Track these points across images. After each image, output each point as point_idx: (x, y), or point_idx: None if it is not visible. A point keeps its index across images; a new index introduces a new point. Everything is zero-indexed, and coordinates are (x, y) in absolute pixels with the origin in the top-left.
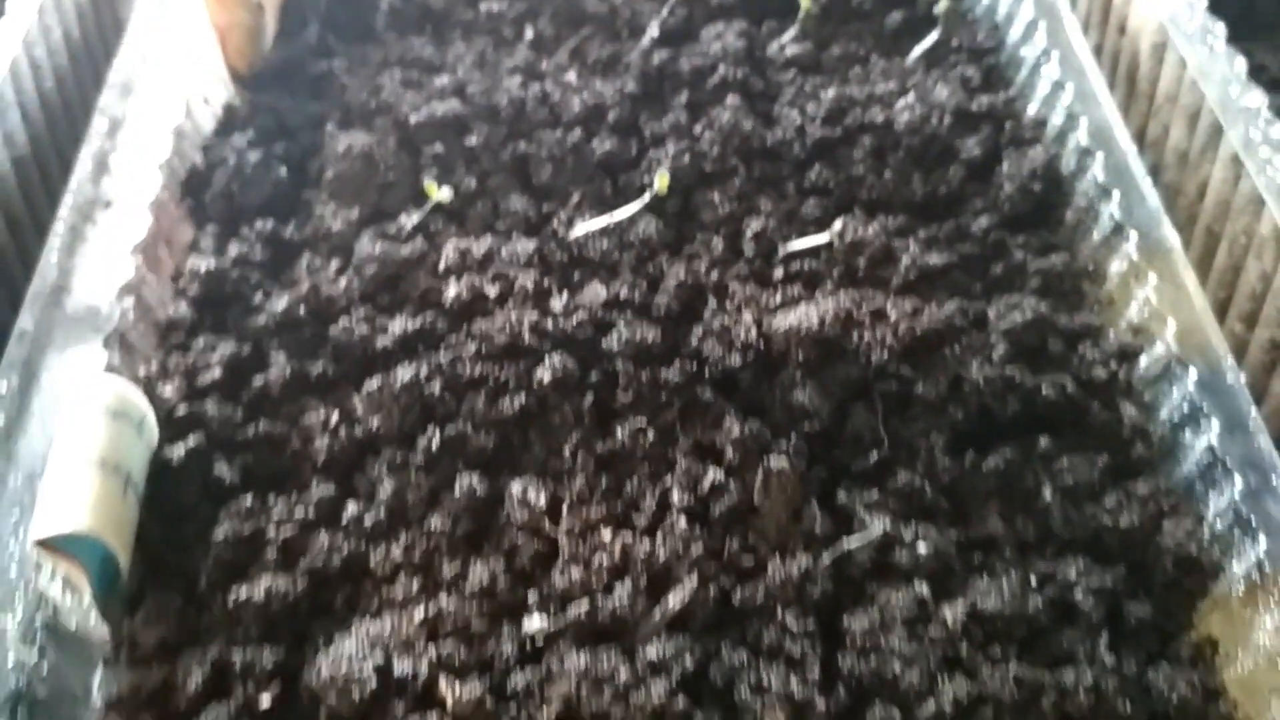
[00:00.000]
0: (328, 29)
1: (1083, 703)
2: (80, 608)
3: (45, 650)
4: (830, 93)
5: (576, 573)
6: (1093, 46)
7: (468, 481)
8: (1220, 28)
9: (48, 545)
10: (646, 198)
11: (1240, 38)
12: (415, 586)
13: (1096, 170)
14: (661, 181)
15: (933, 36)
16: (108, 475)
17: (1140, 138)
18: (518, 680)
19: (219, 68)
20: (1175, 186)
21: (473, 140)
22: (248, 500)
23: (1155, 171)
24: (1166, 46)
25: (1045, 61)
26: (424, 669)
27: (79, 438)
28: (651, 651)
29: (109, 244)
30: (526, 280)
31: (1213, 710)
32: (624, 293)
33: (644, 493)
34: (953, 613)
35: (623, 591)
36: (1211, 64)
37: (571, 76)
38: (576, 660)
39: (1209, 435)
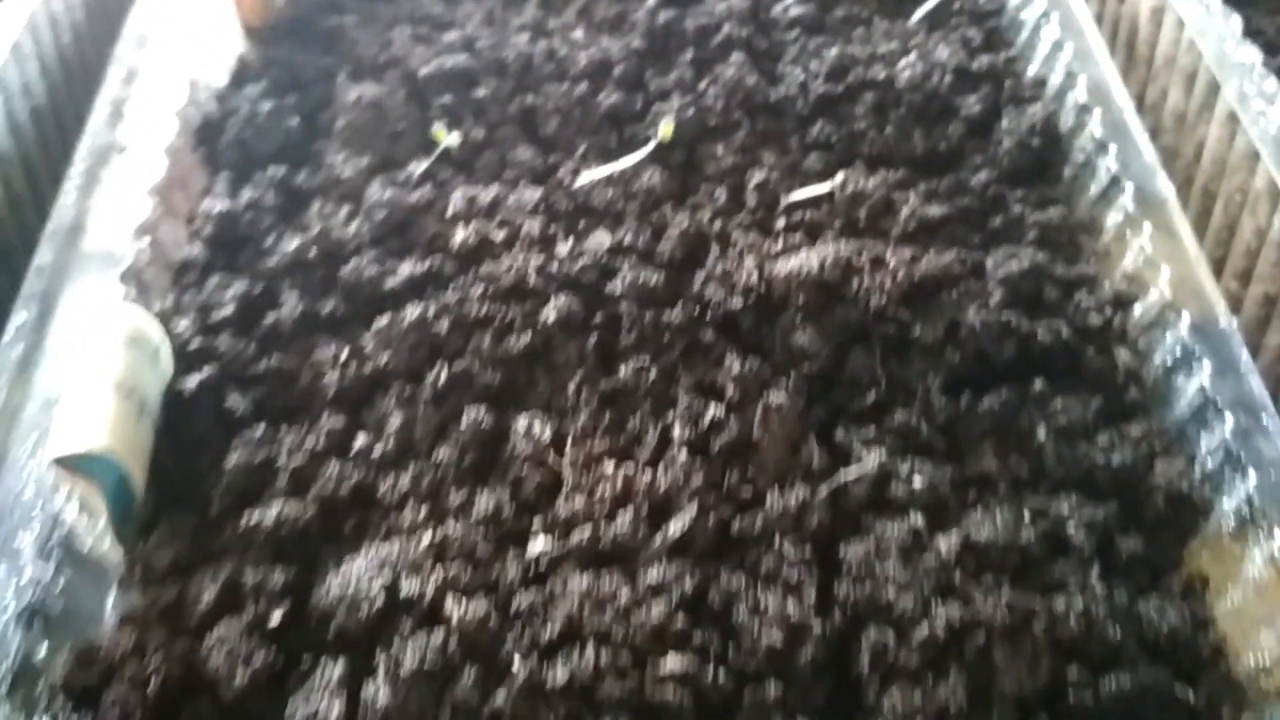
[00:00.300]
0: None
1: (1073, 628)
2: (95, 530)
3: (61, 568)
4: (833, 52)
5: (580, 501)
6: (1094, 14)
7: (474, 415)
8: None
9: (65, 465)
10: (651, 146)
11: (1237, 4)
12: (422, 514)
13: (1094, 126)
14: (665, 129)
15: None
16: (124, 399)
17: (1140, 100)
18: (521, 600)
19: (232, 22)
20: (1173, 148)
21: (480, 93)
22: (259, 430)
23: (1154, 133)
24: (1165, 9)
25: (1045, 23)
26: (430, 589)
27: (96, 362)
28: (652, 575)
29: (125, 187)
30: (532, 227)
31: (1202, 639)
32: (628, 239)
33: (646, 428)
34: (947, 543)
35: (625, 519)
36: (1208, 22)
37: (579, 34)
38: (579, 582)
39: (1201, 377)
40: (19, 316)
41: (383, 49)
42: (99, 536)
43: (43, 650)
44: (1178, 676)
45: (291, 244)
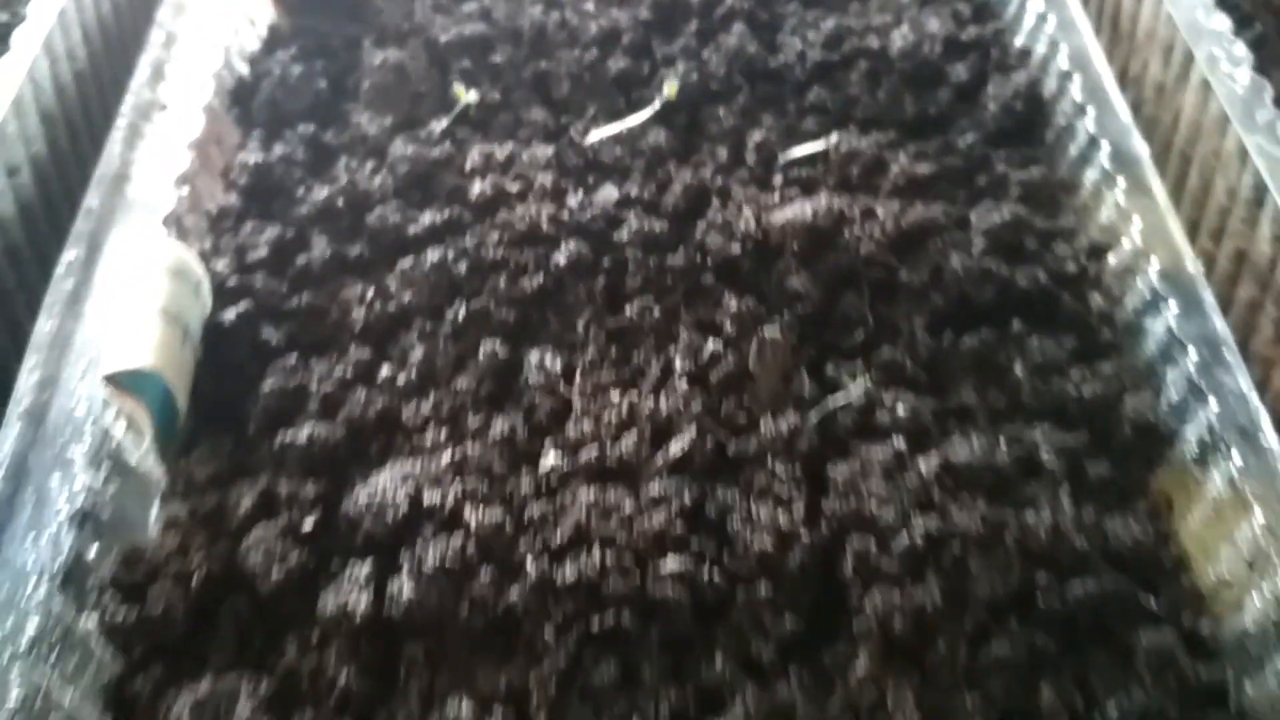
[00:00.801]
0: None
1: (1043, 539)
2: (142, 445)
3: (110, 477)
4: (830, 23)
5: (588, 425)
6: None
7: (490, 348)
8: None
9: (115, 383)
10: (657, 105)
11: None
12: (443, 435)
13: (1074, 91)
14: (670, 88)
15: None
16: (169, 323)
17: (1124, 72)
18: (534, 510)
19: None
20: (1154, 116)
21: (497, 58)
22: (292, 360)
23: (1137, 104)
24: None
25: None
26: (450, 499)
27: (144, 291)
28: (654, 489)
29: (165, 141)
30: (545, 180)
31: (1164, 553)
32: (634, 192)
33: (650, 361)
34: (927, 464)
35: (629, 440)
36: None
37: (589, 5)
38: (587, 494)
39: (1168, 317)
40: (69, 254)
41: (405, 18)
42: (145, 451)
43: (93, 550)
44: (1140, 586)
45: (320, 194)
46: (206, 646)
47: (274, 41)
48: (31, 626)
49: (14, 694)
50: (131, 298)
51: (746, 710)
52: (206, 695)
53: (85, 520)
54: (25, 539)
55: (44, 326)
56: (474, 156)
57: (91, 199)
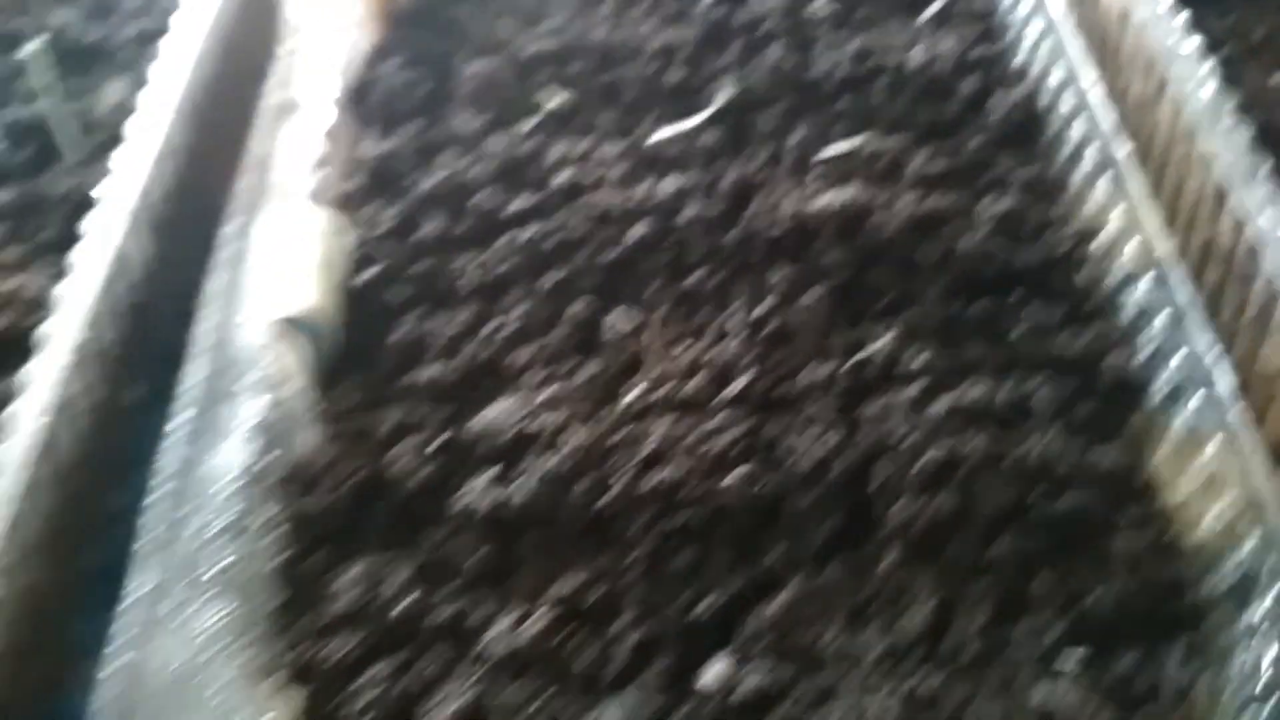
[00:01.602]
0: None
1: (1036, 463)
2: (301, 379)
3: (277, 404)
4: (856, 43)
5: (661, 369)
6: (1075, 18)
7: (577, 309)
8: None
9: (281, 324)
10: (712, 109)
11: (1194, 4)
12: (540, 378)
13: (1066, 103)
14: (725, 95)
15: (940, 3)
16: (329, 273)
17: (1113, 89)
18: (619, 435)
19: (371, 11)
20: (1135, 127)
21: (571, 69)
22: (414, 315)
23: (1123, 117)
24: (1127, 12)
25: (1030, 23)
26: (550, 426)
27: (305, 244)
28: (717, 420)
29: (300, 133)
30: (616, 172)
31: (1136, 479)
32: (692, 183)
33: (710, 320)
34: (941, 404)
35: (695, 381)
36: (1157, 20)
37: (647, 25)
38: (662, 424)
39: (1142, 290)
40: (232, 223)
41: (490, 35)
42: (304, 382)
43: (267, 460)
44: (1116, 502)
45: (429, 181)
46: (361, 535)
47: (380, 54)
48: (222, 519)
49: (209, 571)
50: (292, 254)
51: (795, 592)
52: (364, 571)
53: (260, 435)
54: (215, 451)
55: (216, 281)
56: (556, 152)
57: (243, 181)
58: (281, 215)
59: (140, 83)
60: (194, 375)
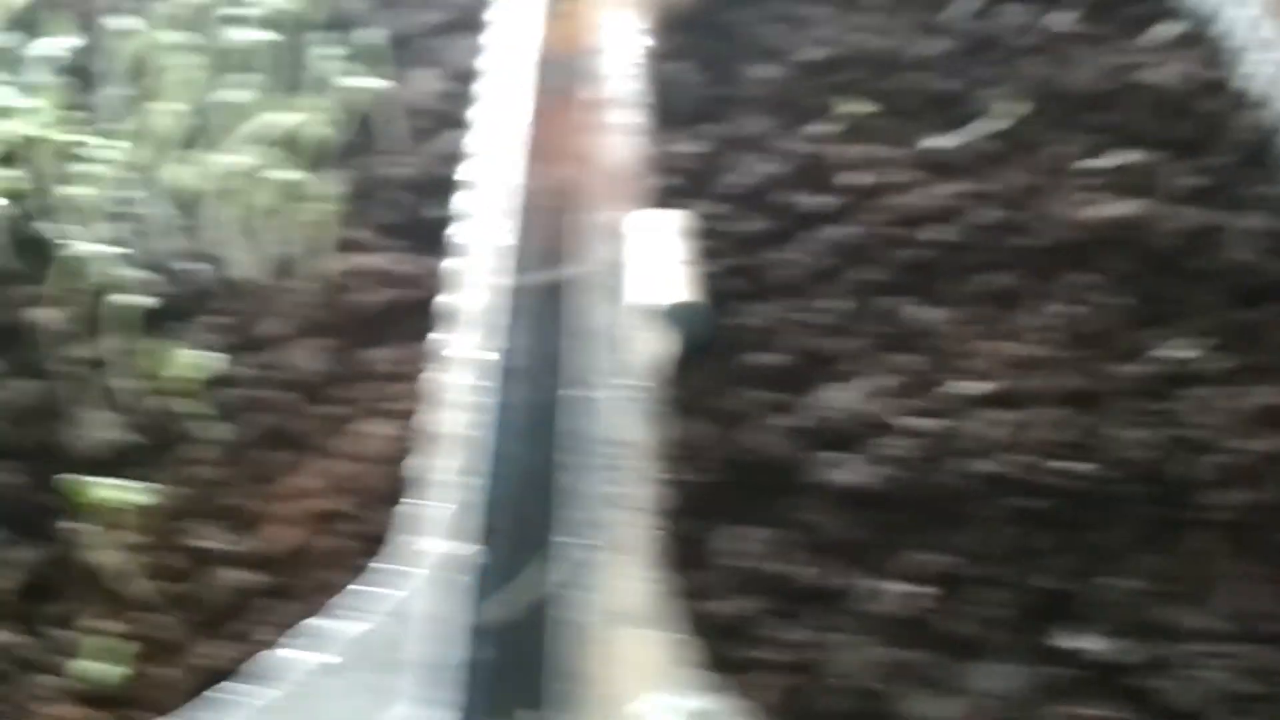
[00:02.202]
0: None
1: None
2: (667, 359)
3: (647, 385)
4: (1109, 59)
5: (971, 363)
6: None
7: (885, 304)
8: None
9: (651, 314)
10: (986, 118)
11: None
12: (857, 366)
13: None
14: (995, 102)
15: (1172, 23)
16: (688, 270)
17: None
18: (947, 423)
19: (651, 17)
20: None
21: (848, 77)
22: (744, 307)
23: None
24: None
25: (1263, 46)
26: (883, 412)
27: (666, 245)
28: (1031, 413)
29: (614, 130)
30: (902, 175)
31: None
32: (969, 188)
33: (1009, 319)
34: (1249, 401)
35: (1007, 375)
36: None
37: (910, 37)
38: (984, 412)
39: None
40: (599, 217)
41: (764, 41)
42: (668, 365)
43: (640, 431)
44: None
45: (737, 180)
46: (730, 507)
47: (665, 57)
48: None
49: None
50: (656, 252)
51: (1127, 567)
52: (735, 537)
53: (632, 407)
54: (597, 417)
55: (589, 276)
56: (845, 154)
57: (572, 174)
58: (643, 213)
59: (447, 73)
60: (574, 358)
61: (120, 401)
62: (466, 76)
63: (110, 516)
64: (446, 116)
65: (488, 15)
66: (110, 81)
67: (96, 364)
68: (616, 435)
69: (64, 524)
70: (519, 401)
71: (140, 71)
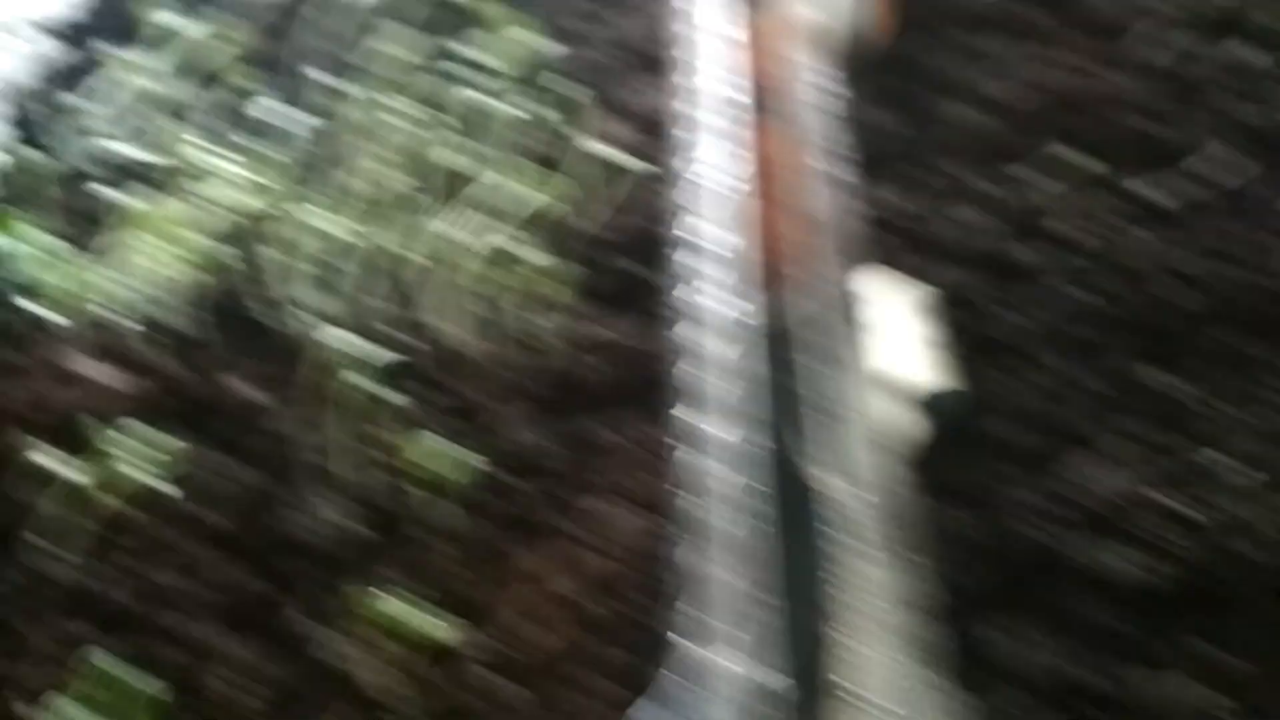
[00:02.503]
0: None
1: None
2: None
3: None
4: None
5: (1231, 441)
6: None
7: (1123, 369)
8: None
9: (908, 394)
10: (1194, 165)
11: None
12: (1111, 440)
13: None
14: (1209, 155)
15: None
16: (941, 348)
17: None
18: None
19: (835, 54)
20: None
21: (1047, 118)
22: (979, 372)
23: None
24: None
25: None
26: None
27: (909, 315)
28: None
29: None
30: (1121, 226)
31: None
32: (1192, 239)
33: (1260, 389)
34: None
35: (1266, 458)
36: None
37: (1102, 76)
38: (1248, 497)
39: None
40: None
41: (951, 77)
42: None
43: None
44: None
45: (941, 231)
46: (1001, 600)
47: (852, 99)
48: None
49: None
50: (899, 323)
51: None
52: (1012, 635)
53: (890, 493)
54: (856, 507)
55: (830, 347)
56: (1059, 203)
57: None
58: (876, 282)
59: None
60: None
61: (343, 484)
62: (656, 123)
63: (364, 623)
64: (624, 164)
65: (668, 56)
66: (317, 142)
67: (313, 444)
68: (878, 525)
69: (303, 626)
70: (778, 491)
71: (347, 130)
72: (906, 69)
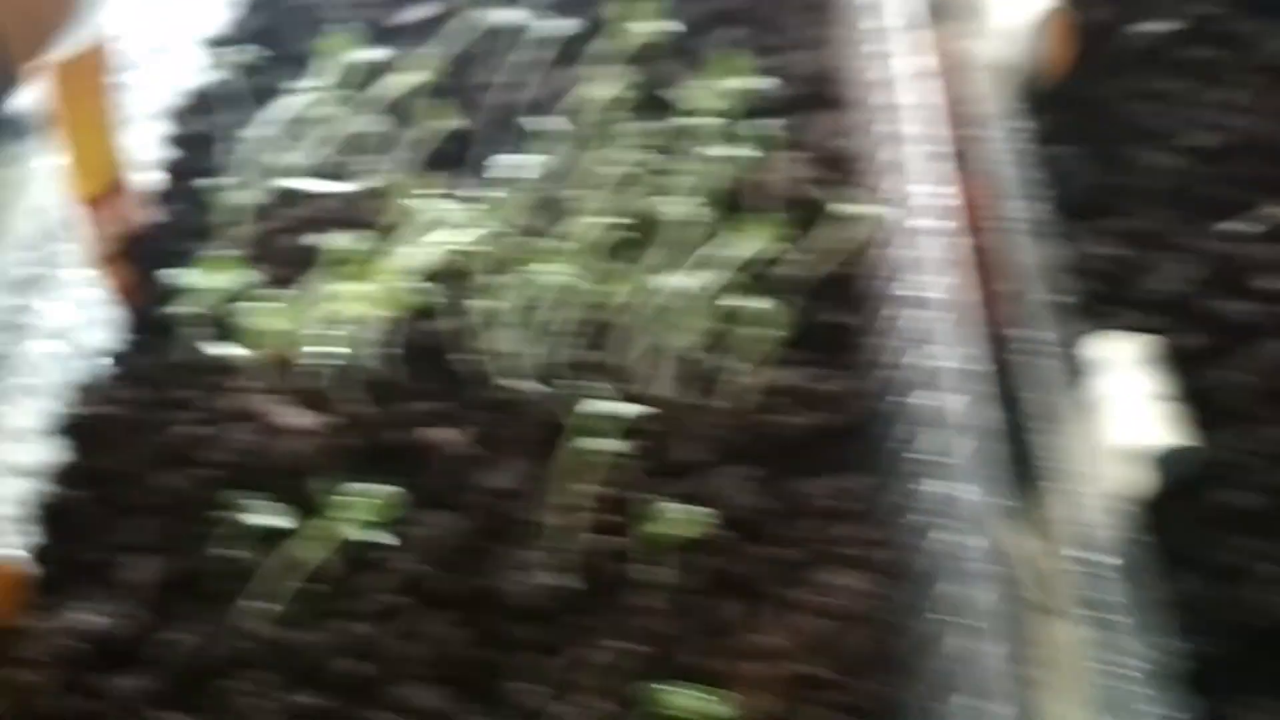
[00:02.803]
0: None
1: None
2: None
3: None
4: None
5: None
6: None
7: None
8: None
9: (1137, 454)
10: None
11: None
12: None
13: None
14: None
15: None
16: (1161, 408)
17: None
18: None
19: (1016, 91)
20: None
21: (1246, 167)
22: (1201, 434)
23: None
24: None
25: None
26: None
27: (1136, 372)
28: None
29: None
30: None
31: None
32: None
33: None
34: None
35: None
36: None
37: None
38: None
39: None
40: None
41: (1138, 120)
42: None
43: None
44: None
45: (1146, 284)
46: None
47: (1040, 140)
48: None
49: None
50: (1127, 381)
51: None
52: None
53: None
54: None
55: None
56: (1268, 256)
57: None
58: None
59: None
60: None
61: (548, 538)
62: (836, 160)
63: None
64: (824, 207)
65: (843, 89)
66: (521, 183)
67: (511, 493)
68: (1115, 590)
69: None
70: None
71: (554, 171)
72: (1090, 108)
